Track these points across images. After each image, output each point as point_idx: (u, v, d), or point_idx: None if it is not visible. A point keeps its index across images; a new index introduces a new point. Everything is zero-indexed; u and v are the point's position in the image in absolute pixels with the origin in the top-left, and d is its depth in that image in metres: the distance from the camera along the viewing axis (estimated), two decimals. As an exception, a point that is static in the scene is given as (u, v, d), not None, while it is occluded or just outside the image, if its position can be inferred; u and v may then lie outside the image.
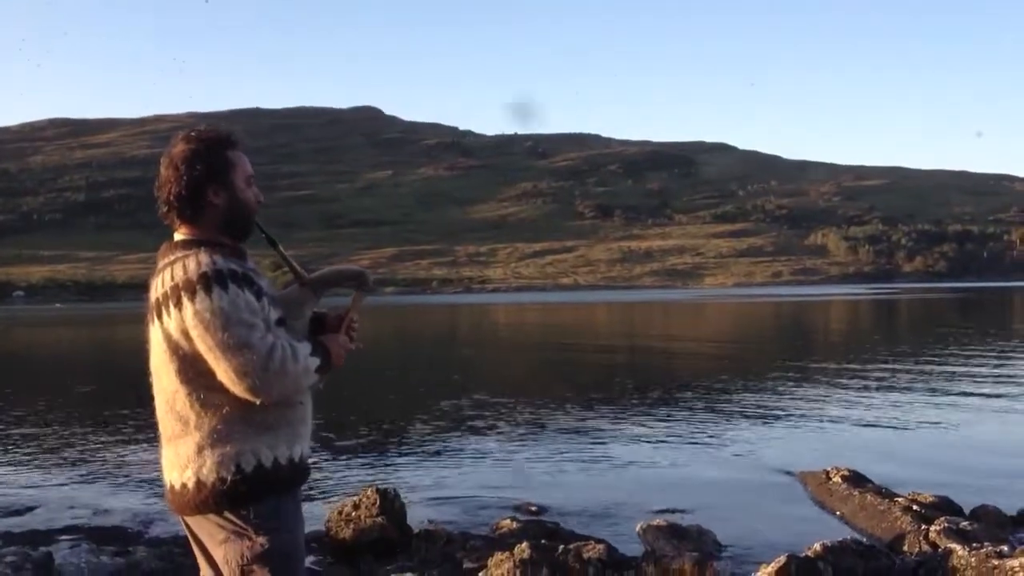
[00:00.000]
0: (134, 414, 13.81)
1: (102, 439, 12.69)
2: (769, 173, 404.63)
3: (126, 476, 10.04)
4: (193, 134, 2.66)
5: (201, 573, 2.71)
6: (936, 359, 22.46)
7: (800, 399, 15.55)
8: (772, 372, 20.31)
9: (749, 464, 10.12)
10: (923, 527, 6.70)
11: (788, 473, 9.48)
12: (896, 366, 20.92)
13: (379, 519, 6.76)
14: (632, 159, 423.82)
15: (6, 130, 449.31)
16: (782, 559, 5.27)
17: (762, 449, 11.07)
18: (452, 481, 9.50)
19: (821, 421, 13.21)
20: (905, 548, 6.60)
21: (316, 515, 7.33)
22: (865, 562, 5.91)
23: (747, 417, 13.65)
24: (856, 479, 8.42)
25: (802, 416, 13.64)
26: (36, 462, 11.09)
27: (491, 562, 5.86)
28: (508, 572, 5.65)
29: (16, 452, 11.83)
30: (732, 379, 19.14)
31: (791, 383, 17.94)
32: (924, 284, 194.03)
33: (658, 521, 7.02)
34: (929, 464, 10.10)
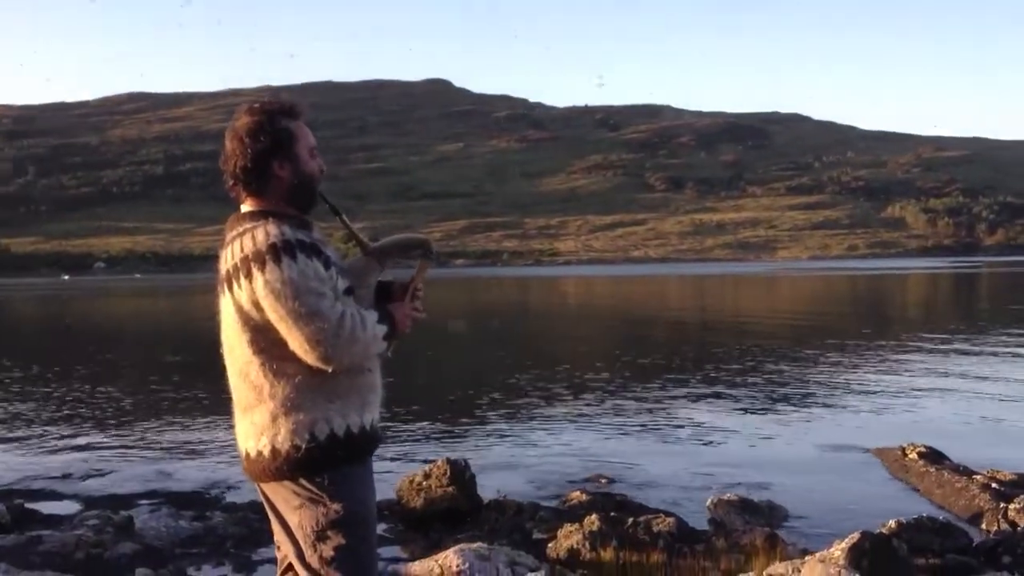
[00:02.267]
0: (212, 383, 14.10)
1: (181, 406, 13.01)
2: (845, 144, 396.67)
3: (205, 442, 10.29)
4: (256, 106, 2.67)
5: (275, 538, 2.76)
6: (1017, 334, 21.86)
7: (875, 374, 15.28)
8: (846, 347, 19.96)
9: (822, 440, 9.97)
10: (1002, 505, 6.56)
11: (862, 449, 9.33)
12: (975, 341, 20.42)
13: (449, 489, 6.82)
14: (705, 131, 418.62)
15: (86, 104, 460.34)
16: (856, 536, 5.18)
17: (836, 425, 10.91)
18: (521, 452, 9.54)
19: (897, 397, 12.95)
20: (983, 526, 6.48)
21: (388, 484, 7.43)
22: (942, 540, 5.81)
23: (821, 392, 13.45)
24: (933, 456, 8.26)
25: (877, 392, 13.39)
26: (117, 428, 11.40)
27: (560, 533, 5.88)
28: (578, 543, 5.67)
29: (98, 418, 12.18)
30: (805, 354, 18.87)
31: (866, 358, 17.62)
32: (1007, 257, 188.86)
33: (729, 495, 6.98)
34: (1009, 441, 9.87)
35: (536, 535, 6.30)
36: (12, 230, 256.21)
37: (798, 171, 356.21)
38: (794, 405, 12.36)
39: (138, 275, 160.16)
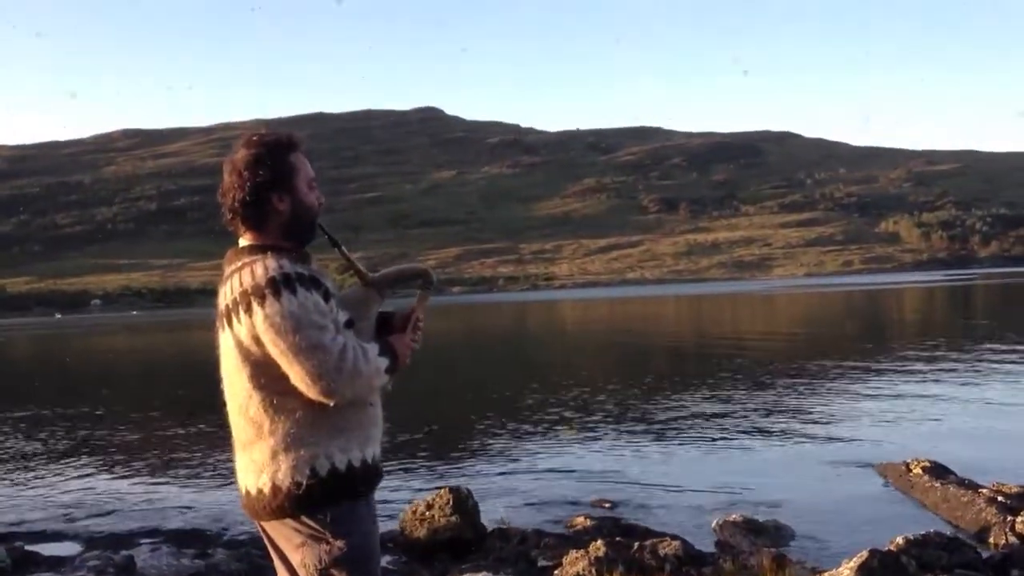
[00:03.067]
0: (211, 419, 14.04)
1: (181, 442, 12.94)
2: (837, 161, 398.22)
3: (205, 479, 10.23)
4: (255, 138, 2.64)
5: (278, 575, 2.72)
6: (1018, 346, 21.85)
7: (877, 390, 15.24)
8: (846, 363, 19.94)
9: (826, 457, 9.93)
10: (1009, 518, 6.51)
11: (867, 466, 9.29)
12: (975, 354, 20.40)
13: (453, 518, 6.77)
14: (696, 151, 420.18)
15: (80, 142, 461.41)
16: (864, 554, 5.15)
17: (839, 442, 10.86)
18: (525, 479, 9.49)
19: (900, 412, 12.91)
20: (991, 540, 6.43)
21: (391, 515, 7.38)
22: (950, 555, 5.76)
23: (823, 409, 13.41)
24: (937, 470, 8.21)
25: (879, 408, 13.35)
26: (117, 465, 11.33)
27: (566, 560, 5.83)
28: (584, 570, 5.62)
29: (98, 456, 12.12)
30: (804, 371, 18.85)
31: (866, 374, 17.59)
32: (1002, 269, 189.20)
33: (734, 516, 6.94)
34: (1013, 454, 9.81)
35: (542, 562, 6.25)
36: (6, 270, 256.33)
37: (790, 188, 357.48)
38: (796, 423, 12.32)
39: (135, 312, 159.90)
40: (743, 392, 15.68)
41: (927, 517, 7.31)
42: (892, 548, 5.61)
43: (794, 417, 12.81)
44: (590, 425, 12.85)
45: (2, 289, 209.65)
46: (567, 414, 13.98)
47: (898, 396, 14.39)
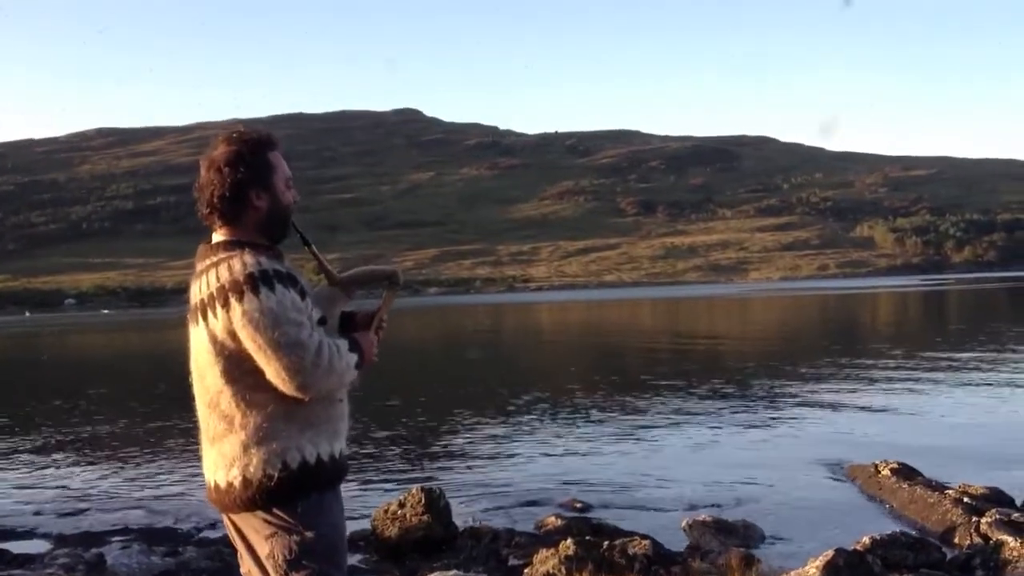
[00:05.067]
0: (182, 415, 13.98)
1: (151, 440, 12.90)
2: (813, 165, 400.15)
3: (176, 476, 10.20)
4: (234, 136, 2.67)
5: (242, 569, 2.75)
6: (988, 350, 22.09)
7: (847, 392, 15.39)
8: (818, 366, 20.10)
9: (796, 458, 10.03)
10: (974, 519, 6.61)
11: (836, 467, 9.40)
12: (945, 357, 20.60)
13: (424, 517, 6.80)
14: (674, 154, 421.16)
15: (55, 140, 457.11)
16: (830, 553, 5.23)
17: (809, 443, 10.97)
18: (496, 478, 9.53)
19: (869, 414, 13.07)
20: (956, 540, 6.53)
21: (362, 514, 7.40)
22: (915, 555, 5.85)
23: (793, 411, 13.53)
24: (905, 472, 8.32)
25: (850, 409, 13.50)
26: (87, 463, 11.30)
27: (536, 559, 5.88)
28: (554, 568, 5.66)
29: (67, 454, 12.06)
30: (777, 373, 18.99)
31: (837, 377, 17.75)
32: (974, 274, 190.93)
33: (703, 516, 7.00)
34: (979, 456, 9.94)
35: (512, 561, 6.30)
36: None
37: (767, 193, 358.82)
38: (767, 424, 12.44)
39: (106, 311, 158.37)
40: (715, 394, 15.78)
41: (894, 518, 7.41)
42: (858, 548, 5.69)
43: (765, 419, 12.92)
44: (562, 426, 12.91)
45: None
46: (539, 416, 14.02)
47: (868, 399, 14.54)
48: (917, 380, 16.66)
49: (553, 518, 7.40)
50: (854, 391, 15.50)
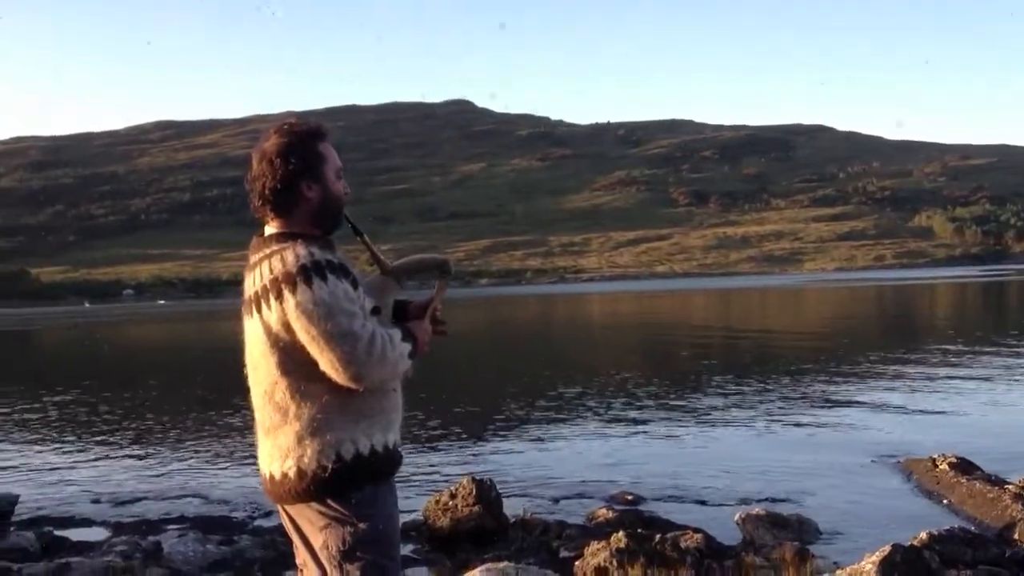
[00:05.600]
0: (237, 406, 14.17)
1: (206, 430, 13.08)
2: (870, 154, 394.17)
3: (231, 466, 10.34)
4: (285, 127, 2.68)
5: (297, 559, 2.77)
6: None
7: (904, 385, 15.14)
8: (874, 358, 19.81)
9: (851, 452, 9.89)
10: (1035, 515, 6.47)
11: (892, 461, 9.25)
12: (1005, 350, 20.20)
13: (475, 508, 6.82)
14: (727, 144, 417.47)
15: (114, 133, 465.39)
16: (887, 548, 5.14)
17: (865, 437, 10.82)
18: (547, 470, 9.52)
19: (927, 407, 12.84)
20: (1016, 537, 6.40)
21: (414, 504, 7.44)
22: (973, 551, 5.74)
23: (849, 404, 13.34)
24: (964, 466, 8.17)
25: (907, 403, 13.27)
26: (143, 453, 11.48)
27: (587, 551, 5.86)
28: (605, 561, 5.64)
29: (125, 443, 12.27)
30: (832, 365, 18.74)
31: (894, 369, 17.46)
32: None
33: (757, 510, 6.93)
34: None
35: (563, 553, 6.29)
36: (41, 259, 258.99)
37: (822, 182, 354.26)
38: (822, 417, 12.28)
39: (162, 301, 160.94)
40: (768, 386, 15.63)
41: (952, 513, 7.28)
42: (916, 543, 5.59)
43: (820, 412, 12.76)
44: (614, 418, 12.86)
45: (36, 279, 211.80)
46: (590, 407, 13.99)
47: (926, 392, 14.30)
48: (976, 373, 16.34)
49: (604, 510, 7.38)
50: (911, 384, 15.24)
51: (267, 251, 2.60)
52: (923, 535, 5.80)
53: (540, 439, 11.43)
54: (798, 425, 11.74)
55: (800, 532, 6.63)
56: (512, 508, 7.37)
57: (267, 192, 2.63)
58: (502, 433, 12.11)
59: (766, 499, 7.80)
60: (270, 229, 2.68)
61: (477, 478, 7.12)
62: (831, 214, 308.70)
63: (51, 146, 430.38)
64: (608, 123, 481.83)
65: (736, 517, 6.87)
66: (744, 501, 7.73)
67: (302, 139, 2.66)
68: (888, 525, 6.86)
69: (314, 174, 2.65)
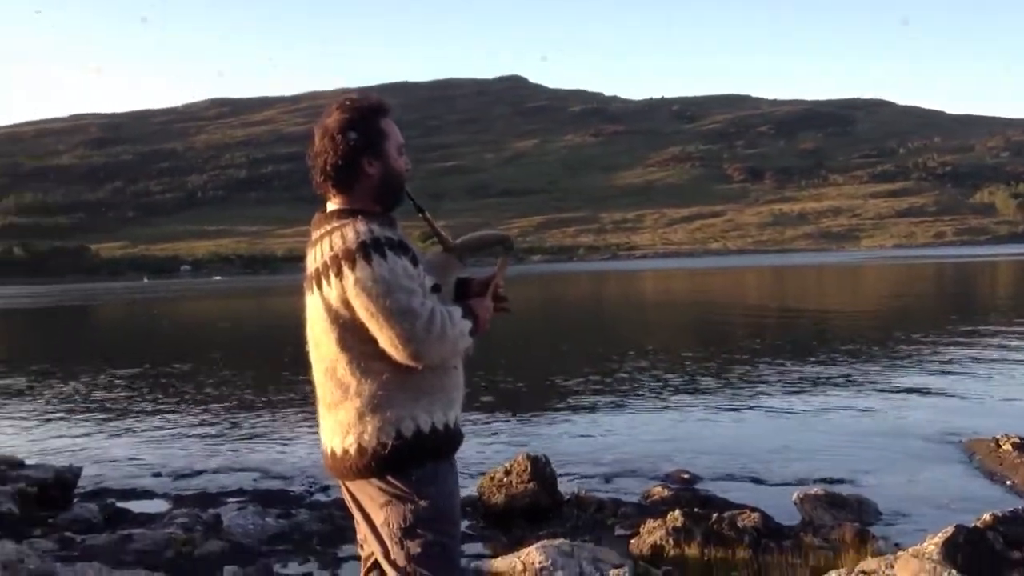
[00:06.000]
0: (296, 381, 14.34)
1: (264, 404, 13.24)
2: (931, 129, 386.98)
3: (289, 440, 10.46)
4: (347, 103, 2.68)
5: (359, 536, 2.78)
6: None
7: (966, 364, 14.86)
8: (934, 338, 19.47)
9: (911, 432, 9.74)
10: (1103, 498, 6.32)
11: (954, 441, 9.09)
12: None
13: (530, 485, 6.82)
14: (784, 119, 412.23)
15: (171, 111, 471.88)
16: (949, 529, 5.05)
17: (925, 417, 10.63)
18: (601, 448, 9.50)
19: (990, 387, 12.59)
20: (1084, 520, 6.24)
21: (469, 480, 7.46)
22: (1039, 534, 5.62)
23: (908, 384, 13.13)
24: (1028, 447, 8.00)
25: (969, 382, 13.03)
26: (203, 427, 11.66)
27: (643, 529, 5.84)
28: (661, 540, 5.62)
29: (185, 417, 12.47)
30: (891, 345, 18.45)
31: (954, 349, 17.14)
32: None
33: (816, 490, 6.85)
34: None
35: (619, 531, 6.27)
36: (101, 235, 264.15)
37: (881, 158, 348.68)
38: (881, 396, 12.10)
39: (217, 277, 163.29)
40: (825, 366, 15.43)
41: (1016, 494, 7.15)
42: (979, 524, 5.49)
43: (879, 391, 12.57)
44: (669, 396, 12.79)
45: (97, 254, 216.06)
46: (644, 386, 13.93)
47: (987, 371, 14.02)
48: (1041, 352, 15.99)
49: (659, 488, 7.35)
50: (972, 363, 14.96)
51: (328, 227, 2.60)
52: (987, 516, 5.67)
53: (594, 416, 11.41)
54: (856, 405, 11.57)
55: (860, 513, 6.54)
56: (565, 485, 7.37)
57: (328, 168, 2.63)
58: (556, 410, 12.11)
59: (824, 479, 7.71)
60: (332, 205, 2.68)
61: (532, 455, 7.12)
62: (890, 190, 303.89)
63: (110, 123, 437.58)
64: (662, 98, 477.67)
65: (794, 497, 6.80)
66: (801, 481, 7.64)
67: (364, 115, 2.65)
68: (949, 506, 6.75)
69: (376, 150, 2.64)
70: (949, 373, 14.00)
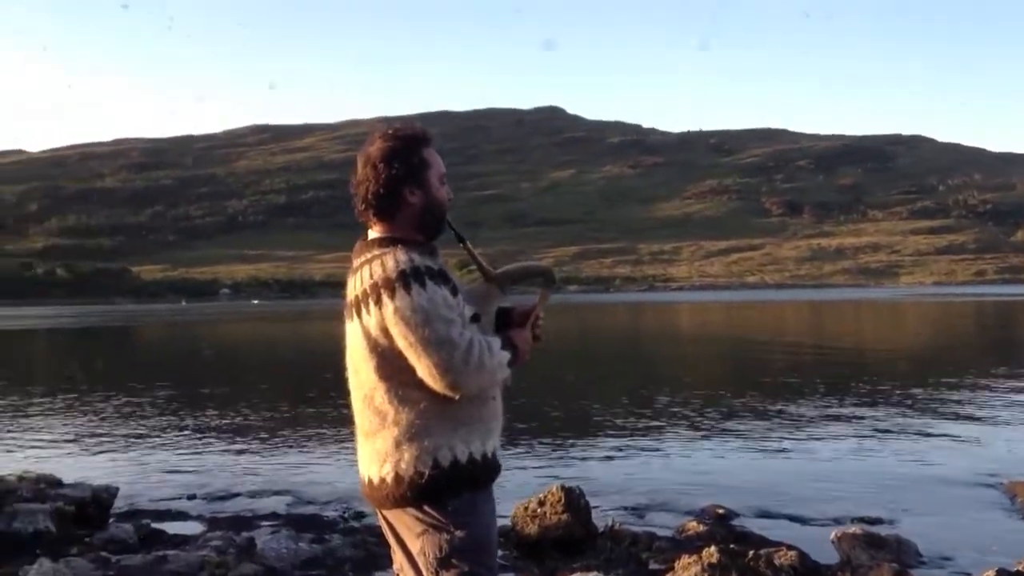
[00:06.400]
0: (333, 406, 14.38)
1: (299, 429, 13.28)
2: (972, 166, 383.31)
3: (325, 465, 10.48)
4: (391, 132, 2.70)
5: (395, 564, 2.78)
6: None
7: (1006, 406, 14.60)
8: (975, 376, 19.17)
9: (951, 473, 9.57)
10: None
11: (995, 483, 8.92)
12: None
13: (564, 516, 6.77)
14: (823, 153, 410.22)
15: (213, 137, 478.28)
16: (991, 573, 4.97)
17: (966, 457, 10.46)
18: (636, 480, 9.42)
19: (1032, 429, 12.36)
20: None
21: (502, 510, 7.42)
22: (1083, 580, 5.50)
23: (948, 424, 12.92)
24: (1072, 491, 7.85)
25: (1009, 424, 12.81)
26: (239, 450, 11.71)
27: (678, 564, 5.77)
28: (697, 575, 5.55)
29: (222, 440, 12.53)
30: (931, 382, 18.19)
31: (995, 388, 16.86)
32: None
33: (854, 529, 6.74)
34: None
35: (653, 565, 6.21)
36: (142, 258, 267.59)
37: (921, 194, 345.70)
38: (921, 435, 11.92)
39: (256, 301, 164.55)
40: (863, 402, 15.24)
41: (1060, 539, 6.99)
42: (1020, 568, 5.39)
43: (918, 430, 12.39)
44: (705, 429, 12.68)
45: (137, 277, 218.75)
46: (679, 418, 13.83)
47: (1031, 412, 13.77)
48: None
49: (695, 523, 7.27)
50: (1013, 405, 14.70)
51: (369, 255, 2.62)
52: (1029, 561, 5.58)
53: (629, 448, 11.33)
54: (895, 443, 11.41)
55: (899, 553, 6.43)
56: (600, 517, 7.31)
57: (370, 196, 2.65)
58: (591, 441, 12.04)
59: (862, 518, 7.59)
60: (373, 233, 2.69)
61: (566, 486, 7.08)
62: (930, 227, 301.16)
63: (152, 148, 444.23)
64: (700, 131, 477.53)
65: (832, 535, 6.70)
66: (839, 519, 7.54)
67: (407, 144, 2.67)
68: (990, 548, 6.62)
69: (417, 179, 2.66)
70: (990, 414, 13.77)
